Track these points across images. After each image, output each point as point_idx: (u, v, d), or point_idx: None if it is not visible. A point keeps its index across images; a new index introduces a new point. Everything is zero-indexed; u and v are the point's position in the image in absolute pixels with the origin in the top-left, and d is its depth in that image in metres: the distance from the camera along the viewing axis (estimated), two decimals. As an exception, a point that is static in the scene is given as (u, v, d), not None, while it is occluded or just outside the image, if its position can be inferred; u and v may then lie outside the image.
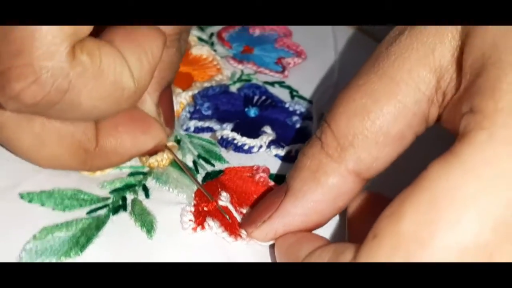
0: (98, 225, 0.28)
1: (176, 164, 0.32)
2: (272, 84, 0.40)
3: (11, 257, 0.25)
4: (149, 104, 0.30)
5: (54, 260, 0.25)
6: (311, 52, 0.44)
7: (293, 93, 0.40)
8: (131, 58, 0.26)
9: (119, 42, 0.26)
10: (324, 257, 0.24)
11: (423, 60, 0.24)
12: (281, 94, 0.39)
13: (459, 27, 0.24)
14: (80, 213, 0.28)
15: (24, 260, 0.25)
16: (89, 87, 0.25)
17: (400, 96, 0.25)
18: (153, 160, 0.31)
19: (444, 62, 0.24)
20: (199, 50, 0.41)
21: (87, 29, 0.24)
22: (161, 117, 0.31)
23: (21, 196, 0.28)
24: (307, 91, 0.40)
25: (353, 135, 0.26)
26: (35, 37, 0.23)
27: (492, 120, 0.20)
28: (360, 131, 0.25)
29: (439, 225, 0.20)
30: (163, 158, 0.31)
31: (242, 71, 0.41)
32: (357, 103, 0.26)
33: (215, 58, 0.41)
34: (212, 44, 0.43)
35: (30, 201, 0.28)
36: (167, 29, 0.29)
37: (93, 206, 0.29)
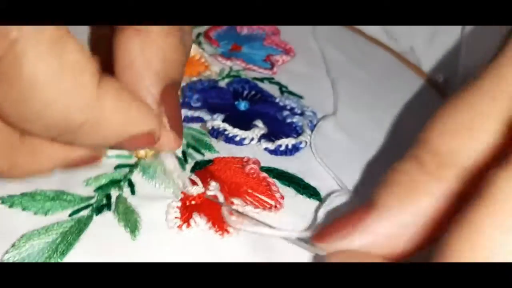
0: (80, 228, 0.25)
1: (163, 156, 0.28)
2: (261, 80, 0.38)
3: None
4: (148, 99, 0.24)
5: (33, 269, 0.22)
6: (299, 50, 0.42)
7: (282, 88, 0.37)
8: None
9: None
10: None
11: None
12: (271, 89, 0.37)
13: None
14: (62, 215, 0.25)
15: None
16: None
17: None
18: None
19: None
20: (186, 48, 0.38)
21: None
22: (163, 117, 0.25)
23: (2, 201, 0.26)
24: (296, 87, 0.38)
25: (455, 152, 0.20)
26: None
27: None
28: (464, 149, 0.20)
29: None
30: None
31: (230, 68, 0.38)
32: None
33: (203, 56, 0.38)
34: (199, 44, 0.40)
35: (11, 206, 0.26)
36: None
37: (76, 207, 0.26)
